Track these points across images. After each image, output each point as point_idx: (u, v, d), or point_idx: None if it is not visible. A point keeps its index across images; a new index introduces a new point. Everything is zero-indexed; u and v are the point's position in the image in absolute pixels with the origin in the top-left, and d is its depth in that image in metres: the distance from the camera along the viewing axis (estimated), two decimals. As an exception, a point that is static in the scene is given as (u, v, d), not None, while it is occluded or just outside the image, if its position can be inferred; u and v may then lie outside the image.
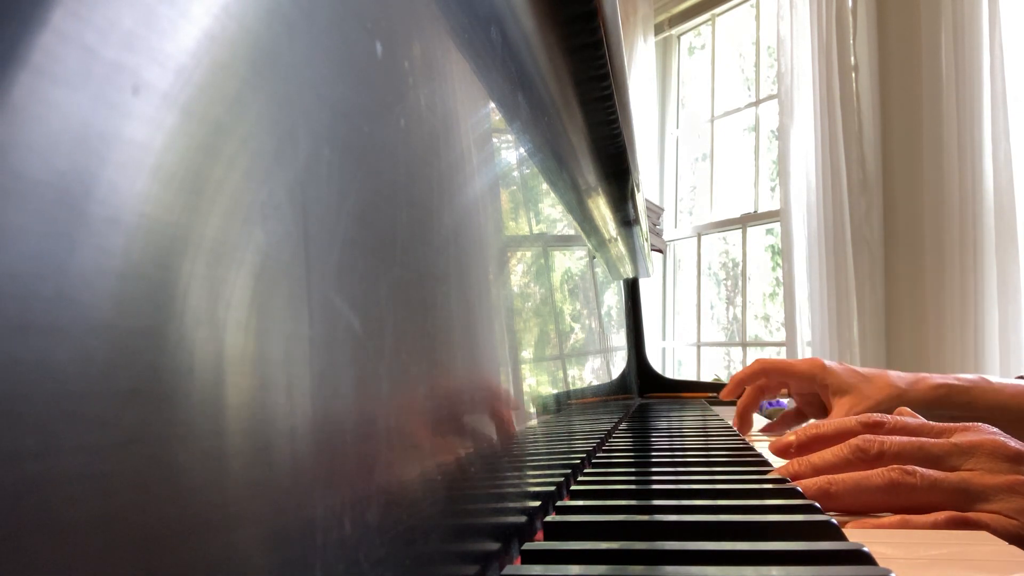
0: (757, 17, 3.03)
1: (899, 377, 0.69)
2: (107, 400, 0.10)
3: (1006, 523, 0.37)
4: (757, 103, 3.05)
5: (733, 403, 1.34)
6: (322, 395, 0.16)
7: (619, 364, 1.06)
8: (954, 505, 0.38)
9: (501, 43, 0.37)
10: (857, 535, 0.33)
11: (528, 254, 0.45)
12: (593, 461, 0.54)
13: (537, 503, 0.37)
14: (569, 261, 0.65)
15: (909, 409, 0.49)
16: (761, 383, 0.79)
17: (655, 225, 1.72)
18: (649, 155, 3.27)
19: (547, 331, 0.49)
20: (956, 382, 0.66)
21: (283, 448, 0.14)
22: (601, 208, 0.79)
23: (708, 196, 3.25)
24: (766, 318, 3.21)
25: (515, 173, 0.42)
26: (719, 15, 3.23)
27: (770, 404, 1.74)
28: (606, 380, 0.85)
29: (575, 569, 0.27)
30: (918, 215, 2.14)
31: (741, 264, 3.08)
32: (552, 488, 0.42)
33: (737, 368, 3.15)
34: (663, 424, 0.86)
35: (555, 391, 0.48)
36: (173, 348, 0.11)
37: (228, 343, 0.13)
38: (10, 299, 0.09)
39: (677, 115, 3.47)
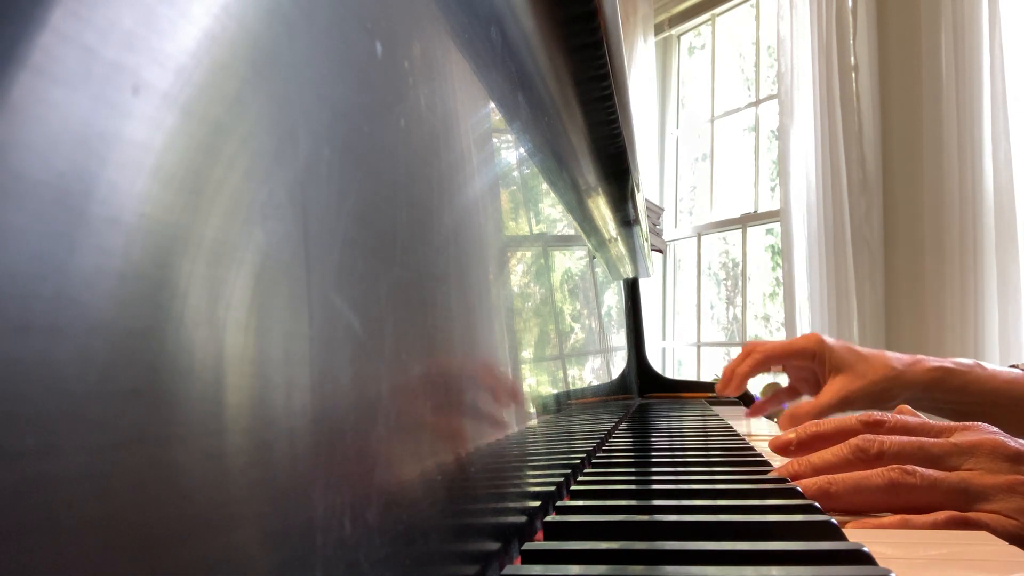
0: (757, 17, 3.03)
1: (896, 358, 0.69)
2: (107, 400, 0.10)
3: (1006, 523, 0.37)
4: (757, 103, 3.05)
5: (734, 402, 1.34)
6: (322, 395, 0.16)
7: (619, 364, 1.06)
8: (954, 505, 0.38)
9: (501, 43, 0.37)
10: (857, 535, 0.33)
11: (528, 254, 0.45)
12: (593, 461, 0.54)
13: (537, 503, 0.37)
14: (569, 261, 0.65)
15: (909, 408, 0.49)
16: (767, 368, 0.78)
17: (655, 225, 1.72)
18: (649, 155, 3.27)
19: (547, 331, 0.49)
20: (952, 366, 0.66)
21: (283, 448, 0.14)
22: (601, 208, 0.79)
23: (708, 196, 3.25)
24: (766, 318, 3.20)
25: (515, 173, 0.42)
26: (719, 15, 3.23)
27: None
28: (606, 380, 0.85)
29: (575, 569, 0.27)
30: (918, 215, 2.14)
31: (741, 264, 3.08)
32: (552, 488, 0.42)
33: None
34: (663, 424, 0.86)
35: (555, 391, 0.48)
36: (173, 348, 0.11)
37: (228, 343, 0.13)
38: (10, 299, 0.09)
39: (677, 115, 3.47)
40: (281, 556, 0.14)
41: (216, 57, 0.13)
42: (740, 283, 3.10)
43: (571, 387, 0.56)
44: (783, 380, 0.83)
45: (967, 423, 0.44)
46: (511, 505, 0.32)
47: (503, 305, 0.35)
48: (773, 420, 1.21)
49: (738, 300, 3.17)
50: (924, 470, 0.39)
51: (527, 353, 0.40)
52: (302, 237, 0.15)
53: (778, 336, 3.00)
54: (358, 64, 0.19)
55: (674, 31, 3.41)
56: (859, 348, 0.72)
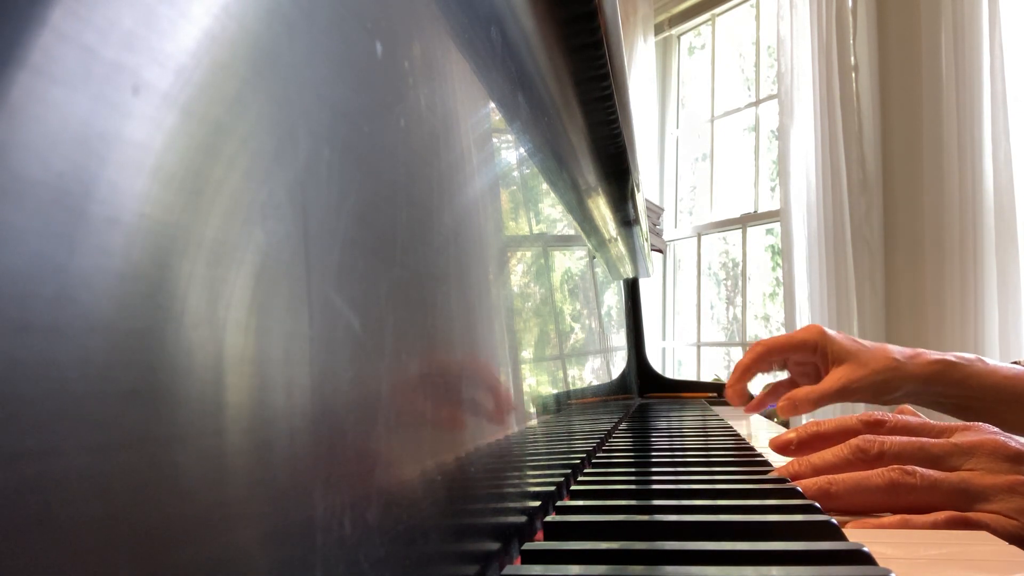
0: (757, 17, 3.03)
1: (898, 351, 0.69)
2: (107, 400, 0.10)
3: (1006, 523, 0.37)
4: (757, 103, 3.05)
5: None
6: (322, 395, 0.16)
7: (619, 364, 1.06)
8: (954, 505, 0.38)
9: (501, 43, 0.37)
10: (857, 535, 0.33)
11: (528, 254, 0.45)
12: (593, 461, 0.54)
13: (537, 503, 0.37)
14: (569, 261, 0.65)
15: (910, 407, 0.49)
16: (770, 362, 0.78)
17: (655, 225, 1.72)
18: (649, 155, 3.27)
19: (547, 331, 0.49)
20: (954, 359, 0.66)
21: (283, 448, 0.14)
22: (601, 208, 0.79)
23: (708, 196, 3.25)
24: (766, 318, 3.20)
25: (515, 173, 0.42)
26: (719, 15, 3.23)
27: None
28: (606, 380, 0.85)
29: (575, 569, 0.27)
30: (918, 215, 2.14)
31: (741, 264, 3.08)
32: (552, 488, 0.42)
33: (737, 368, 3.15)
34: (663, 424, 0.86)
35: (555, 391, 0.48)
36: (173, 348, 0.11)
37: (228, 343, 0.13)
38: (10, 299, 0.09)
39: (677, 115, 3.47)
40: (281, 556, 0.14)
41: (216, 57, 0.13)
42: (740, 283, 3.10)
43: (571, 387, 0.56)
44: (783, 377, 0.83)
45: (968, 423, 0.44)
46: (511, 505, 0.32)
47: (503, 305, 0.35)
48: (773, 420, 1.21)
49: (738, 300, 3.17)
50: (924, 470, 0.39)
51: (527, 353, 0.40)
52: (302, 237, 0.15)
53: (778, 336, 3.00)
54: (358, 64, 0.19)
55: (674, 31, 3.41)
56: (861, 340, 0.71)
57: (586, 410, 0.63)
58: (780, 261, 2.66)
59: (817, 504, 0.36)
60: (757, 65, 3.04)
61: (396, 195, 0.21)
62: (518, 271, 0.41)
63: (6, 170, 0.09)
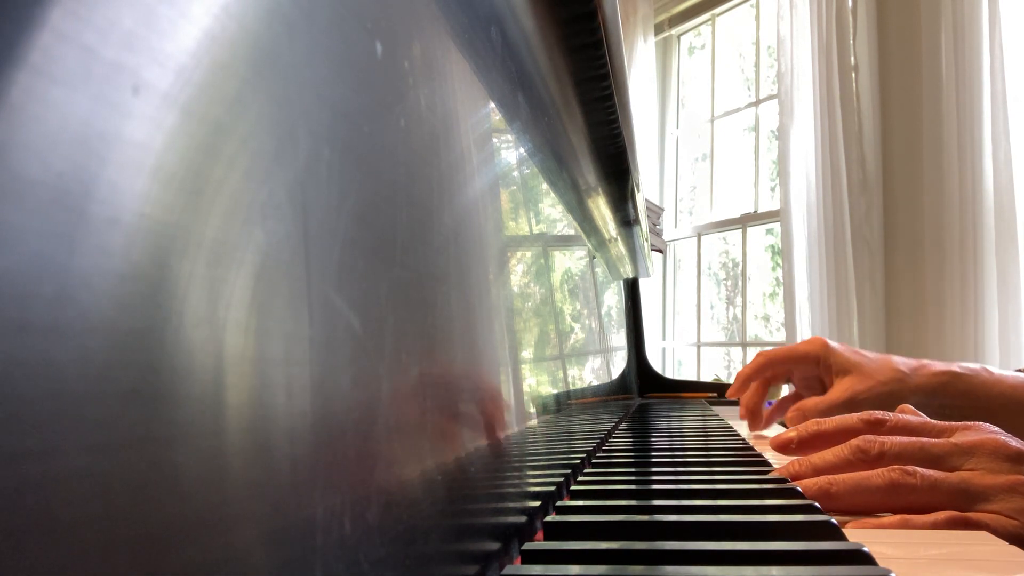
0: (757, 17, 3.03)
1: (902, 362, 0.69)
2: (107, 400, 0.10)
3: (1006, 523, 0.37)
4: (757, 103, 3.05)
5: (734, 402, 1.34)
6: (322, 395, 0.16)
7: (619, 364, 1.06)
8: (954, 505, 0.38)
9: (501, 43, 0.37)
10: (857, 535, 0.33)
11: (528, 254, 0.45)
12: (593, 461, 0.54)
13: (537, 503, 0.37)
14: (569, 261, 0.65)
15: (911, 407, 0.49)
16: (768, 375, 0.78)
17: (655, 225, 1.72)
18: (649, 155, 3.27)
19: (547, 331, 0.49)
20: (958, 370, 0.66)
21: (283, 448, 0.14)
22: (601, 208, 0.79)
23: (708, 196, 3.25)
24: (766, 318, 3.20)
25: (515, 173, 0.42)
26: (719, 15, 3.23)
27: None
28: (606, 380, 0.85)
29: (575, 569, 0.27)
30: (918, 215, 2.14)
31: (741, 264, 3.08)
32: (552, 488, 0.42)
33: (737, 368, 3.15)
34: (663, 424, 0.86)
35: (555, 391, 0.48)
36: (173, 348, 0.11)
37: (228, 343, 0.13)
38: (10, 299, 0.09)
39: (677, 115, 3.47)
40: (281, 556, 0.14)
41: (216, 57, 0.13)
42: (740, 283, 3.10)
43: (571, 387, 0.56)
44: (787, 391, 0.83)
45: (968, 423, 0.44)
46: (511, 505, 0.32)
47: (503, 305, 0.35)
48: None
49: (738, 300, 3.17)
50: (925, 470, 0.39)
51: (527, 353, 0.40)
52: (302, 237, 0.15)
53: (778, 336, 3.00)
54: (358, 64, 0.19)
55: (674, 31, 3.41)
56: (863, 351, 0.71)
57: (586, 410, 0.63)
58: (780, 261, 2.67)
59: (817, 504, 0.36)
60: (757, 65, 3.04)
61: (396, 195, 0.21)
62: (518, 271, 0.41)
63: (6, 170, 0.09)
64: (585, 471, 0.50)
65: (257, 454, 0.13)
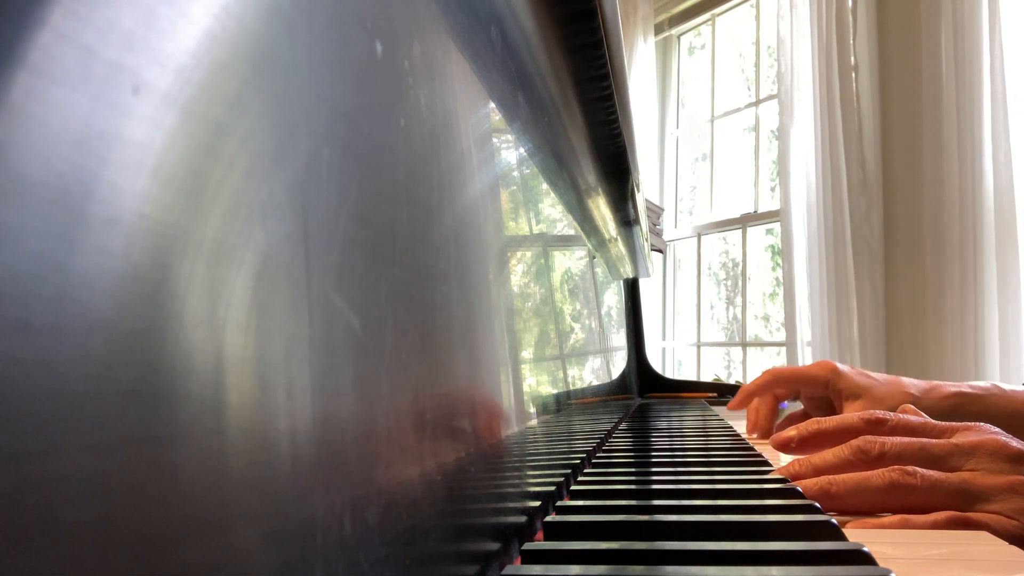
0: (757, 17, 3.03)
1: (912, 384, 0.68)
2: (107, 400, 0.10)
3: (1007, 523, 0.37)
4: (757, 103, 3.05)
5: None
6: (322, 395, 0.16)
7: (619, 364, 1.06)
8: (955, 506, 0.38)
9: (501, 43, 0.37)
10: (857, 535, 0.33)
11: (528, 254, 0.45)
12: (593, 461, 0.54)
13: (537, 503, 0.37)
14: (569, 261, 0.65)
15: (913, 407, 0.49)
16: (775, 393, 0.78)
17: (655, 225, 1.72)
18: (649, 155, 3.27)
19: (547, 331, 0.49)
20: (969, 390, 0.66)
21: (283, 448, 0.14)
22: (601, 208, 0.79)
23: (708, 196, 3.25)
24: (766, 318, 3.20)
25: (515, 173, 0.42)
26: (719, 15, 3.23)
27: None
28: (606, 380, 0.85)
29: (575, 569, 0.27)
30: (918, 215, 2.14)
31: (741, 264, 3.08)
32: (552, 488, 0.42)
33: (737, 368, 3.15)
34: (663, 424, 0.86)
35: (555, 391, 0.48)
36: (173, 348, 0.11)
37: (228, 343, 0.13)
38: (10, 299, 0.09)
39: (677, 115, 3.47)
40: (281, 556, 0.14)
41: (216, 57, 0.13)
42: (740, 283, 3.10)
43: (571, 387, 0.56)
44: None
45: (968, 423, 0.44)
46: (511, 505, 0.32)
47: (503, 305, 0.35)
48: None
49: (738, 300, 3.17)
50: (925, 471, 0.39)
51: (527, 353, 0.40)
52: (302, 237, 0.15)
53: (778, 336, 3.00)
54: (358, 64, 0.19)
55: (674, 31, 3.41)
56: (872, 374, 0.71)
57: (586, 410, 0.63)
58: (780, 261, 2.67)
59: (817, 504, 0.36)
60: (757, 65, 3.04)
61: (396, 195, 0.21)
62: (518, 271, 0.41)
63: (6, 170, 0.09)
64: (585, 471, 0.50)
65: (257, 454, 0.13)
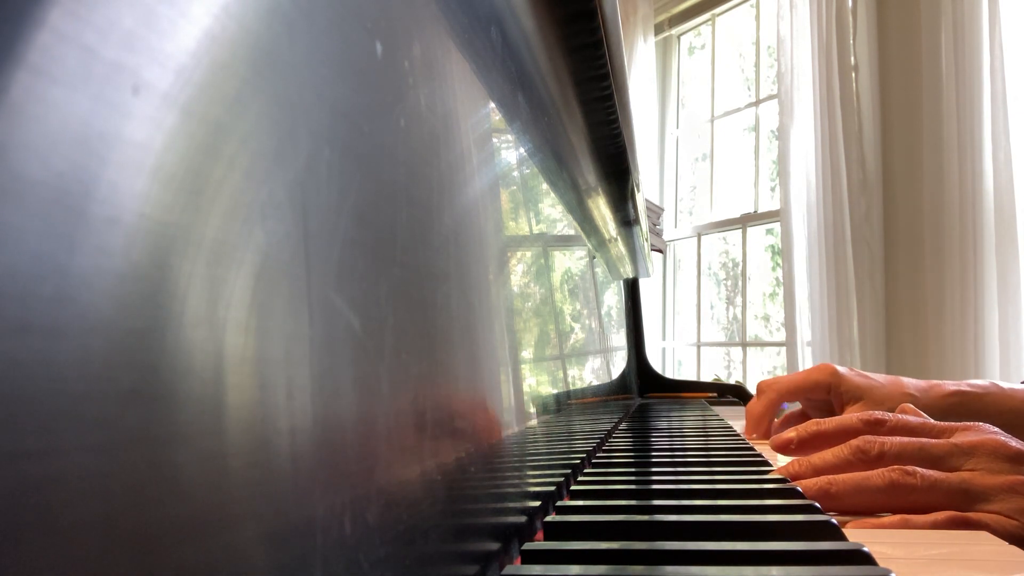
0: (757, 17, 3.03)
1: (912, 384, 0.68)
2: (107, 400, 0.10)
3: (1006, 523, 0.37)
4: (757, 103, 3.05)
5: (734, 402, 1.33)
6: (322, 395, 0.16)
7: (619, 364, 1.06)
8: (954, 505, 0.38)
9: (501, 43, 0.37)
10: (857, 535, 0.33)
11: (528, 254, 0.45)
12: (593, 461, 0.54)
13: (537, 503, 0.37)
14: (569, 261, 0.65)
15: (912, 407, 0.49)
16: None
17: (655, 225, 1.72)
18: (649, 155, 3.27)
19: (547, 331, 0.49)
20: (969, 389, 0.66)
21: (283, 448, 0.14)
22: (601, 208, 0.79)
23: (708, 196, 3.25)
24: (766, 318, 3.20)
25: (515, 173, 0.42)
26: (719, 15, 3.23)
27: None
28: (606, 380, 0.85)
29: (575, 569, 0.27)
30: (918, 215, 2.14)
31: (741, 264, 3.08)
32: (552, 488, 0.42)
33: (737, 368, 3.15)
34: (663, 424, 0.86)
35: (555, 391, 0.48)
36: (173, 348, 0.11)
37: (228, 343, 0.13)
38: (10, 299, 0.09)
39: (677, 115, 3.47)
40: (281, 556, 0.14)
41: (216, 57, 0.13)
42: (740, 283, 3.10)
43: (571, 387, 0.56)
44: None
45: (968, 423, 0.44)
46: (511, 505, 0.32)
47: (503, 305, 0.35)
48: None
49: (738, 300, 3.17)
50: (925, 471, 0.39)
51: (527, 353, 0.40)
52: (302, 237, 0.15)
53: (778, 336, 3.00)
54: (358, 64, 0.19)
55: (674, 31, 3.41)
56: (872, 375, 0.71)
57: (586, 410, 0.63)
58: (780, 261, 2.66)
59: (817, 504, 0.36)
60: (757, 65, 3.04)
61: (396, 195, 0.21)
62: (518, 271, 0.41)
63: (6, 170, 0.09)
64: (585, 471, 0.50)
65: (257, 454, 0.13)
